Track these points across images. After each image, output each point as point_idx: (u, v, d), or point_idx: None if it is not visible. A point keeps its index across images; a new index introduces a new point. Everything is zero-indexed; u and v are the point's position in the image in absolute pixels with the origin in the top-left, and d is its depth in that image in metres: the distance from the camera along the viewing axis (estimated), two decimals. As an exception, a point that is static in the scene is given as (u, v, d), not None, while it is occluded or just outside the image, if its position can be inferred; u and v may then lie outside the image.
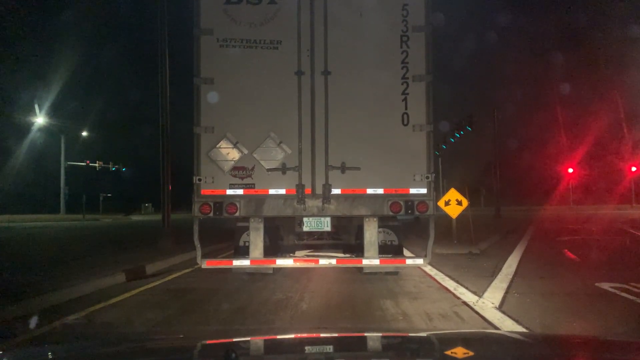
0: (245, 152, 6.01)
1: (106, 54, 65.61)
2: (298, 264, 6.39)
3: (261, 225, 6.24)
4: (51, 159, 44.84)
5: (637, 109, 41.99)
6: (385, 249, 6.74)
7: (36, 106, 37.37)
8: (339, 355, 2.18)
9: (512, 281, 7.09)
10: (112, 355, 2.15)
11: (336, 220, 6.64)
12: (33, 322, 5.07)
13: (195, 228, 6.08)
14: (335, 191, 5.98)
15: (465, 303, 5.75)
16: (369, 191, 5.99)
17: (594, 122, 42.24)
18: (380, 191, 5.99)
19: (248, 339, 2.54)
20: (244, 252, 6.59)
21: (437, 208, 8.30)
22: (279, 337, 2.71)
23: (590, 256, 10.44)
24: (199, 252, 6.12)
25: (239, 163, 6.00)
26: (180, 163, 9.46)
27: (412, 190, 5.99)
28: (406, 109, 5.99)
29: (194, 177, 6.00)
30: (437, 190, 12.23)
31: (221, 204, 5.97)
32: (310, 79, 6.01)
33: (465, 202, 11.34)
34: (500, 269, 8.24)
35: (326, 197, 5.95)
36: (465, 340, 2.50)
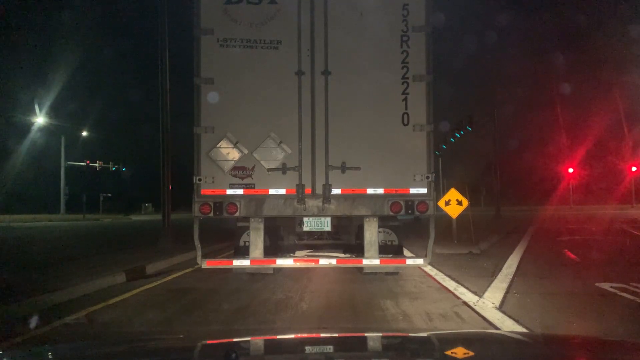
0: (246, 152, 6.00)
1: (106, 54, 65.63)
2: (298, 264, 6.39)
3: (261, 225, 6.23)
4: (51, 159, 44.86)
5: (637, 109, 41.96)
6: (385, 249, 6.73)
7: (36, 106, 37.38)
8: (339, 356, 2.18)
9: (512, 281, 7.09)
10: (112, 355, 2.14)
11: (336, 220, 6.64)
12: (33, 322, 5.07)
13: (196, 228, 6.08)
14: (336, 191, 5.98)
15: (465, 303, 5.75)
16: (369, 191, 5.99)
17: (594, 122, 42.23)
18: (381, 191, 5.99)
19: (248, 339, 2.54)
20: (244, 252, 6.59)
21: (437, 208, 8.30)
22: (279, 337, 2.71)
23: (590, 256, 10.43)
24: (199, 252, 6.11)
25: (239, 163, 6.00)
26: (180, 163, 9.47)
27: (412, 190, 5.99)
28: (406, 109, 5.99)
29: (194, 177, 5.99)
30: (437, 190, 12.21)
31: (221, 204, 5.97)
32: (310, 79, 6.01)
33: (465, 202, 11.34)
34: (501, 269, 8.24)
35: (326, 197, 5.94)
36: (465, 340, 2.50)
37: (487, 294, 6.12)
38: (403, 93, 5.99)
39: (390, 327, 4.88)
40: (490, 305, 5.57)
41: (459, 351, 2.15)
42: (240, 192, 5.99)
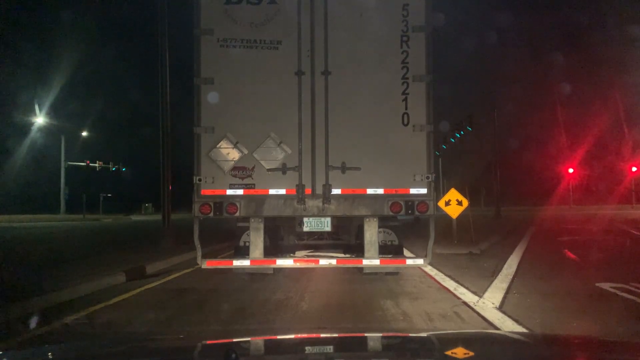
0: (246, 152, 6.00)
1: (106, 54, 65.67)
2: (298, 264, 6.39)
3: (261, 226, 6.23)
4: (51, 159, 44.85)
5: (637, 109, 41.98)
6: (385, 249, 6.73)
7: (36, 106, 37.37)
8: (339, 356, 2.18)
9: (512, 281, 7.09)
10: (112, 355, 2.14)
11: (336, 221, 6.63)
12: (33, 322, 5.08)
13: (196, 228, 6.08)
14: (336, 191, 5.98)
15: (465, 303, 5.75)
16: (369, 191, 5.99)
17: (594, 122, 42.24)
18: (381, 191, 5.98)
19: (248, 339, 2.54)
20: (244, 252, 6.59)
21: (437, 208, 8.30)
22: (279, 337, 2.71)
23: (590, 256, 10.44)
24: (199, 252, 6.11)
25: (239, 163, 6.00)
26: (180, 163, 9.47)
27: (413, 191, 5.99)
28: (406, 109, 5.99)
29: (194, 177, 5.99)
30: (438, 190, 12.24)
31: (221, 204, 5.97)
32: (310, 79, 6.01)
33: (465, 202, 11.35)
34: (501, 269, 8.24)
35: (326, 197, 5.94)
36: (465, 340, 2.50)
37: (487, 294, 6.12)
38: (403, 93, 5.99)
39: (390, 327, 4.88)
40: (490, 305, 5.57)
41: (459, 351, 2.15)
42: (240, 192, 5.99)
